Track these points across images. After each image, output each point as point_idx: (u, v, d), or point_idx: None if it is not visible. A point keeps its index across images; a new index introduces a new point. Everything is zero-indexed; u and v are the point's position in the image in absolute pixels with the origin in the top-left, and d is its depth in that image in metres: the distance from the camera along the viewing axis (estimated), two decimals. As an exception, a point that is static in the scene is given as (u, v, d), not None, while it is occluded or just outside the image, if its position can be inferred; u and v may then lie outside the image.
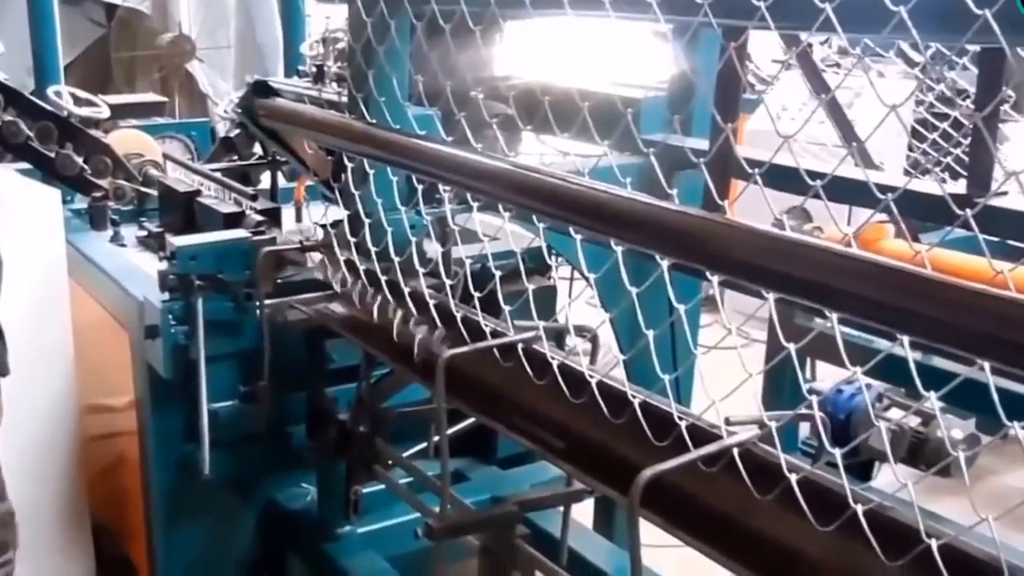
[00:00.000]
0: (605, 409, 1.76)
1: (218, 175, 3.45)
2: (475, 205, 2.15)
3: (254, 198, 3.05)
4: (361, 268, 2.52)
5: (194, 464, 2.75)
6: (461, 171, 2.05)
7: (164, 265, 2.69)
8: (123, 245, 3.50)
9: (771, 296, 1.47)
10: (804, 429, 4.15)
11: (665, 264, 1.68)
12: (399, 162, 2.28)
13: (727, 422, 1.61)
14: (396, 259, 2.38)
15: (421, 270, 2.29)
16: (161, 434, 2.86)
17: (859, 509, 1.37)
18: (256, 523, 3.04)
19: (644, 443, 1.68)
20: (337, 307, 2.68)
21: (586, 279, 3.83)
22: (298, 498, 3.01)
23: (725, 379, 1.62)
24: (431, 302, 2.23)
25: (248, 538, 3.02)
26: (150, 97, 5.28)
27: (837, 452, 1.52)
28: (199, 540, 2.99)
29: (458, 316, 2.16)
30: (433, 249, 2.61)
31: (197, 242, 2.68)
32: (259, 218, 2.95)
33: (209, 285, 2.65)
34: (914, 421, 4.09)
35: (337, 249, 2.64)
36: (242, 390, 2.75)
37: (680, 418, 1.66)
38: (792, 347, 1.51)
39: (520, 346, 1.98)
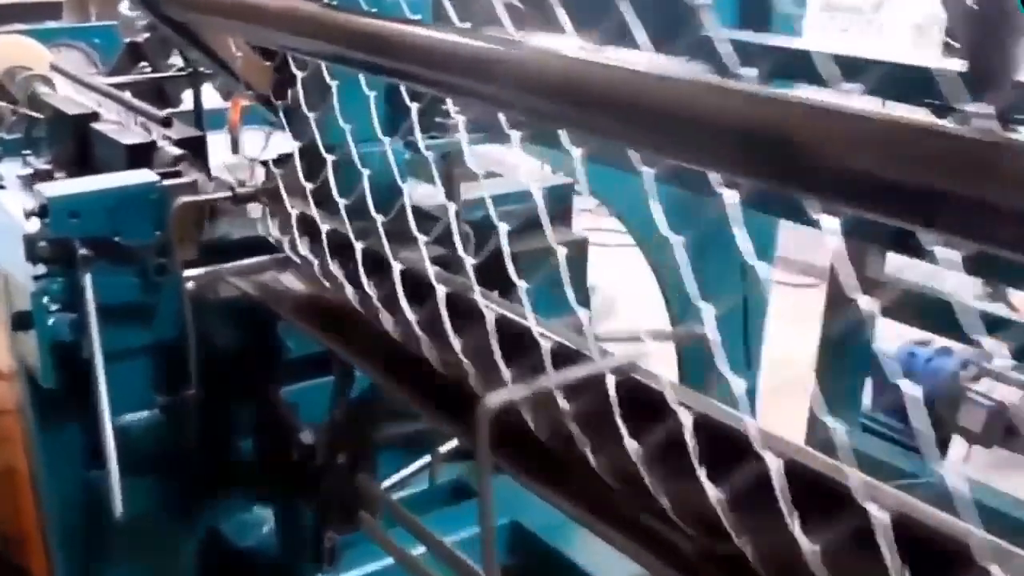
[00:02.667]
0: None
1: (124, 93, 2.59)
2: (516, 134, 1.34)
3: (167, 123, 2.20)
4: (323, 228, 1.72)
5: (100, 496, 1.96)
6: (488, 74, 1.23)
7: (33, 226, 1.85)
8: (2, 187, 2.64)
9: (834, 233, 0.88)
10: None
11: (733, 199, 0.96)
12: (379, 63, 1.45)
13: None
14: (378, 217, 1.57)
15: (422, 237, 1.48)
16: (52, 457, 2.06)
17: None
18: (195, 561, 2.26)
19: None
20: (291, 281, 1.88)
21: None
22: (249, 529, 2.23)
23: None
24: (440, 288, 1.44)
25: (184, 580, 2.25)
26: (42, -6, 4.25)
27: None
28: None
29: (488, 312, 1.38)
30: (428, 198, 1.82)
31: (80, 190, 1.84)
32: (175, 152, 2.12)
33: (101, 253, 1.82)
34: (1015, 395, 3.40)
35: (286, 199, 1.83)
36: (160, 400, 1.94)
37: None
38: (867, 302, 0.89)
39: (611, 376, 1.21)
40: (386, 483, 2.14)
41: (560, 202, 2.50)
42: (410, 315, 1.54)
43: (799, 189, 0.85)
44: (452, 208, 1.47)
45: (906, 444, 3.25)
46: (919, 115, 0.79)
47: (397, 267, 1.56)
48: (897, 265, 2.78)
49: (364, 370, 1.63)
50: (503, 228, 1.39)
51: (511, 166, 2.35)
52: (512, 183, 2.16)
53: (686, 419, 1.15)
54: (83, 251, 1.78)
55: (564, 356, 1.33)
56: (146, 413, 1.95)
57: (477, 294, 1.46)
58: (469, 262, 1.44)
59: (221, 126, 2.91)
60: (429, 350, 1.49)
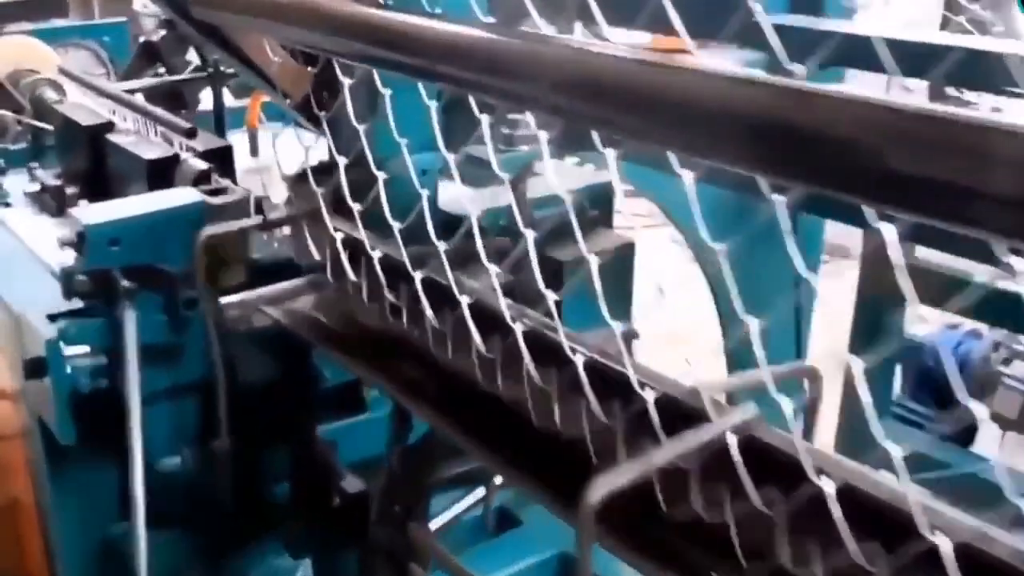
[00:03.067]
0: None
1: (138, 99, 2.40)
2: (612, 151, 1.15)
3: (192, 134, 2.01)
4: (375, 254, 1.53)
5: (124, 552, 1.77)
6: (578, 81, 1.04)
7: (69, 257, 1.65)
8: (7, 204, 2.46)
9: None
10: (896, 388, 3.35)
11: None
12: (440, 71, 1.26)
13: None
14: (440, 244, 1.39)
15: (493, 268, 1.30)
16: (68, 515, 1.86)
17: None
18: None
19: None
20: (330, 309, 1.70)
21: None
22: (285, 576, 2.04)
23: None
24: (518, 327, 1.26)
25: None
26: (47, -9, 4.04)
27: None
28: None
29: (578, 356, 1.20)
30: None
31: (120, 215, 1.65)
32: (201, 165, 1.93)
33: (144, 284, 1.63)
34: None
35: (328, 220, 1.64)
36: (189, 445, 1.75)
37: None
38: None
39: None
40: (435, 524, 1.96)
41: (602, 203, 2.31)
42: (481, 348, 1.35)
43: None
44: (531, 236, 1.28)
45: (938, 432, 3.14)
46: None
47: (465, 300, 1.38)
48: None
49: (428, 418, 1.43)
50: (593, 263, 1.21)
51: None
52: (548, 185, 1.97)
53: (828, 488, 0.96)
54: (125, 283, 1.59)
55: (670, 409, 1.14)
56: (175, 460, 1.75)
57: (562, 335, 1.27)
58: (552, 298, 1.25)
59: (236, 126, 2.73)
60: (507, 392, 1.31)
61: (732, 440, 1.05)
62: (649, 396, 1.14)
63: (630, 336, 1.93)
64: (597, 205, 2.24)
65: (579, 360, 1.23)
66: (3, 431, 2.09)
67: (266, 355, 1.80)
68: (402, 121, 1.51)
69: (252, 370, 1.76)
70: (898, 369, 3.25)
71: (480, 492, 2.10)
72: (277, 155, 1.86)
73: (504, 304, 1.33)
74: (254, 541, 1.91)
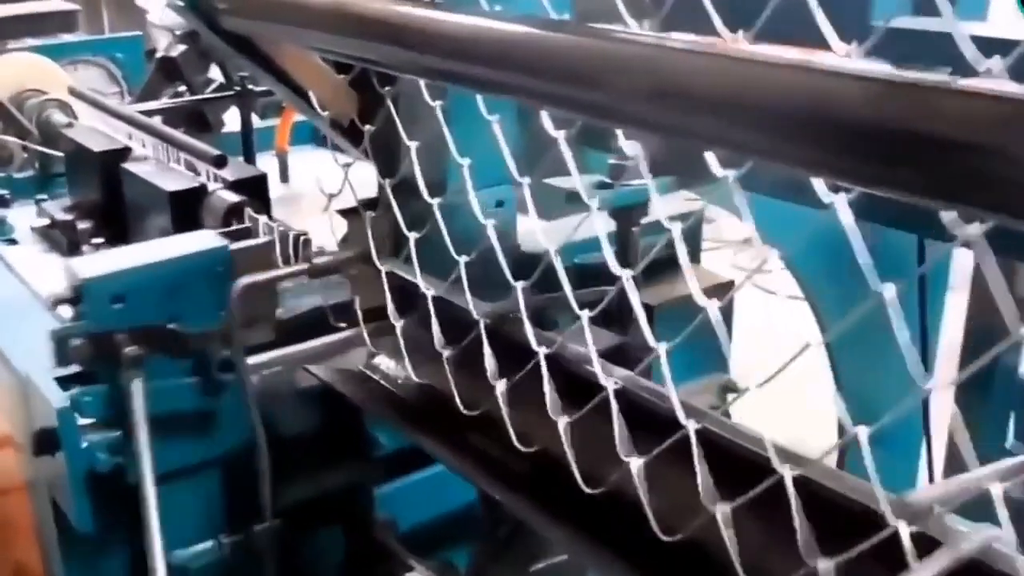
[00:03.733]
0: None
1: (156, 121, 2.18)
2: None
3: (221, 162, 1.79)
4: (429, 293, 1.30)
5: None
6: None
7: (59, 317, 1.42)
8: (12, 240, 2.23)
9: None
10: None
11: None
12: (510, 83, 1.03)
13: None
14: (518, 286, 1.15)
15: (584, 314, 1.07)
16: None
17: None
18: None
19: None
20: (390, 367, 1.46)
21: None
22: None
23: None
24: (611, 383, 1.03)
25: None
26: (55, 4, 3.78)
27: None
28: None
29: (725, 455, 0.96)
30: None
31: (124, 266, 1.41)
32: (232, 198, 1.70)
33: (153, 348, 1.38)
34: None
35: (380, 266, 1.40)
36: (226, 532, 1.51)
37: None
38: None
39: None
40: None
41: (690, 235, 2.05)
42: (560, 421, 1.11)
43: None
44: (635, 295, 1.03)
45: None
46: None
47: (543, 351, 1.13)
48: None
49: (518, 508, 1.19)
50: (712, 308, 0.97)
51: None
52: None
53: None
54: (130, 349, 1.34)
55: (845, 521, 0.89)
56: (209, 546, 1.51)
57: (679, 408, 1.03)
58: (661, 348, 1.01)
59: (261, 149, 2.50)
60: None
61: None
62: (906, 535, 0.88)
63: (728, 389, 1.67)
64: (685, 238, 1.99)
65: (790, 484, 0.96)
66: (4, 485, 1.86)
67: (312, 420, 1.56)
68: (473, 147, 1.27)
69: (297, 439, 1.53)
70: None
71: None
72: (319, 183, 1.62)
73: (597, 364, 1.08)
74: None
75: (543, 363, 1.14)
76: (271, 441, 1.47)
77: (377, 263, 1.45)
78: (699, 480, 0.98)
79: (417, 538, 1.69)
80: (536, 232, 1.20)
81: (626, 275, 1.04)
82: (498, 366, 1.23)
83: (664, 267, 1.44)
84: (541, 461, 1.22)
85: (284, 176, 2.62)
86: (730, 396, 1.80)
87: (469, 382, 1.31)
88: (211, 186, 1.76)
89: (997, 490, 0.82)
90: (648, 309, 1.68)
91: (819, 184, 0.84)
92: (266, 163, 2.51)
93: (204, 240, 1.48)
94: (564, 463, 1.16)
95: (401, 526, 1.69)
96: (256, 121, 2.67)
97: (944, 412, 2.48)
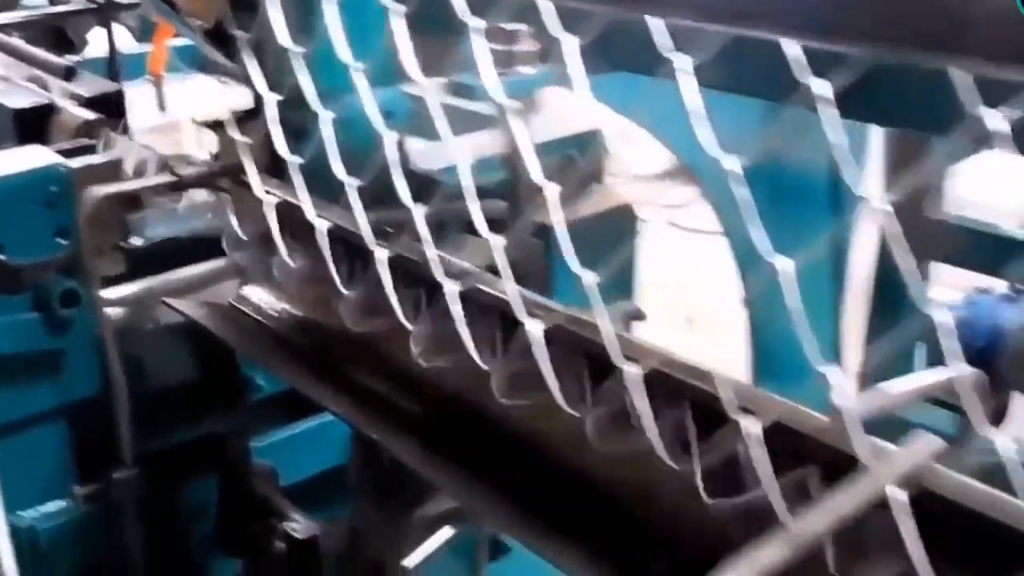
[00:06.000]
0: None
1: (9, 37, 1.97)
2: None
3: (70, 74, 1.59)
4: (321, 225, 1.14)
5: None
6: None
7: None
8: None
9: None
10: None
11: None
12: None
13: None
14: (414, 205, 1.00)
15: (495, 239, 0.92)
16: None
17: None
18: None
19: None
20: (267, 301, 1.30)
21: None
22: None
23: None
24: (534, 325, 0.89)
25: None
26: None
27: None
28: None
29: (630, 369, 0.83)
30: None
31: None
32: (85, 115, 1.51)
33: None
34: None
35: (256, 180, 1.23)
36: (78, 491, 1.34)
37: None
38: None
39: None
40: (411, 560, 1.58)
41: (593, 152, 1.92)
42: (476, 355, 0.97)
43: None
44: (553, 190, 0.90)
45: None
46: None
47: (454, 288, 0.99)
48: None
49: (402, 453, 1.05)
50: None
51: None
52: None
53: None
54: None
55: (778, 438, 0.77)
56: (61, 505, 1.33)
57: (611, 336, 0.90)
58: (591, 279, 0.88)
59: (137, 75, 2.29)
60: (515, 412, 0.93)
61: (901, 497, 0.69)
62: (753, 426, 0.77)
63: (633, 317, 1.55)
64: (587, 154, 1.86)
65: (633, 372, 0.85)
66: None
67: (178, 360, 1.39)
68: (355, 42, 1.11)
69: (161, 381, 1.36)
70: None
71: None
72: (190, 102, 1.44)
73: (516, 294, 0.94)
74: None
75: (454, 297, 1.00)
76: (130, 384, 1.30)
77: (252, 183, 1.28)
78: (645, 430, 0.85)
79: (302, 491, 1.55)
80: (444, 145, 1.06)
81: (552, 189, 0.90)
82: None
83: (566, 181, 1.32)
84: (435, 401, 1.09)
85: (162, 104, 2.41)
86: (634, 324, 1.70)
87: (355, 315, 1.16)
88: (61, 103, 1.57)
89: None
90: (546, 230, 1.54)
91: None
92: (143, 91, 2.31)
93: (34, 157, 1.28)
94: (460, 403, 1.02)
95: (285, 478, 1.54)
96: (133, 45, 2.46)
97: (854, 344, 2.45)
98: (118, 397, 1.27)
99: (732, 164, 0.77)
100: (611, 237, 1.79)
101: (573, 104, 1.66)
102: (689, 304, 3.64)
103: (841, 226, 2.07)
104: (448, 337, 1.02)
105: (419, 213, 1.03)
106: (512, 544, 1.86)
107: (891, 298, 2.47)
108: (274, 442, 1.57)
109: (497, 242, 0.96)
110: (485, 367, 0.98)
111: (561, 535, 0.87)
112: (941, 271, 2.58)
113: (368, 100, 1.06)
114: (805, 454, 0.77)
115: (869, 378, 0.91)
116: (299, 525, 1.35)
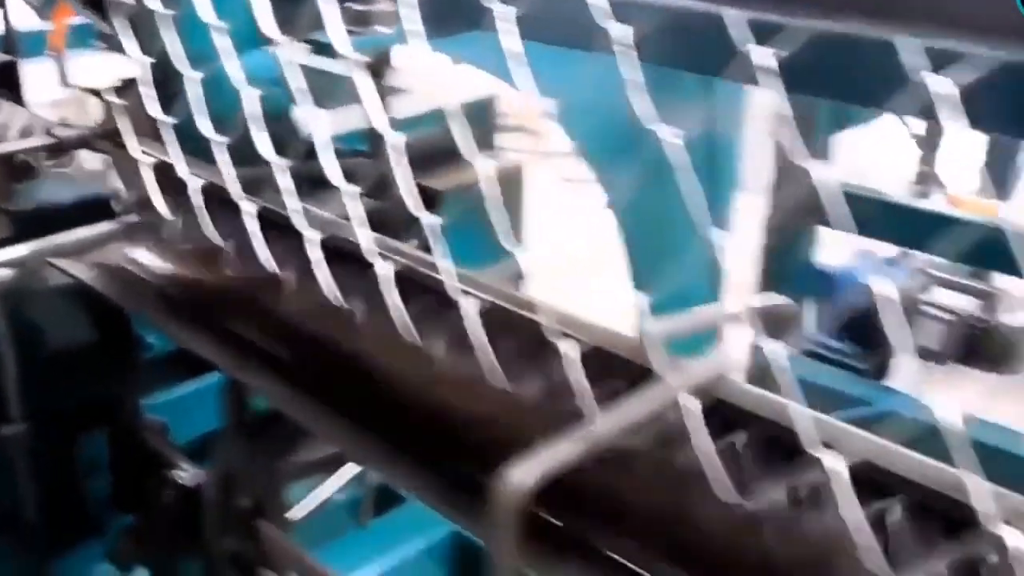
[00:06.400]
0: None
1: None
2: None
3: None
4: (194, 183, 1.19)
5: None
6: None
7: None
8: None
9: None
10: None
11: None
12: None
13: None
14: (279, 161, 1.06)
15: (349, 188, 0.98)
16: None
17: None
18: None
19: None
20: (152, 260, 1.34)
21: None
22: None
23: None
24: (385, 267, 0.95)
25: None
26: None
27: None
28: None
29: (468, 301, 0.90)
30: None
31: None
32: (-28, 84, 1.55)
33: None
34: (966, 304, 3.12)
35: (132, 141, 1.28)
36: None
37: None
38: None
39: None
40: (299, 511, 1.63)
41: (483, 119, 1.99)
42: (333, 295, 1.03)
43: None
44: (394, 139, 0.96)
45: (854, 368, 3.01)
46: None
47: (315, 236, 1.05)
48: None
49: (267, 391, 1.11)
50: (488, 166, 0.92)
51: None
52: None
53: (838, 466, 0.68)
54: None
55: (601, 366, 0.85)
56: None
57: (449, 273, 0.96)
58: (432, 222, 0.94)
59: (39, 50, 2.31)
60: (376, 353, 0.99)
61: (692, 404, 0.77)
62: (572, 350, 0.84)
63: (519, 275, 1.61)
64: (477, 122, 1.92)
65: (471, 306, 0.92)
66: None
67: (70, 320, 1.43)
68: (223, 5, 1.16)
69: (52, 337, 1.40)
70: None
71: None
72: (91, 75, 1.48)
73: (364, 236, 1.01)
74: (68, 552, 1.55)
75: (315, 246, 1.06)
76: (19, 343, 1.34)
77: (128, 144, 1.33)
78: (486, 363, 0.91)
79: (196, 448, 1.59)
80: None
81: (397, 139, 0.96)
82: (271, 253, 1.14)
83: (452, 152, 1.38)
84: (302, 344, 1.14)
85: (64, 79, 2.43)
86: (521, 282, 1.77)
87: (238, 272, 1.22)
88: (-52, 72, 1.60)
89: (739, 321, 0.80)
90: (435, 194, 1.61)
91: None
92: (40, 67, 2.32)
93: None
94: (339, 353, 1.08)
95: (180, 436, 1.59)
96: (37, 23, 2.46)
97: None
98: (3, 355, 1.32)
99: (548, 106, 0.84)
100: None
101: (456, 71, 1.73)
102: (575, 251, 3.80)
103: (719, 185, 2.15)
104: (310, 282, 1.08)
105: (281, 165, 1.08)
106: (399, 498, 1.94)
107: (779, 258, 2.58)
108: (168, 400, 1.62)
109: (351, 190, 1.02)
110: (345, 306, 1.05)
111: (407, 457, 0.94)
112: (828, 234, 2.70)
113: (228, 57, 1.11)
114: (616, 370, 0.85)
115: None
116: (186, 474, 1.40)
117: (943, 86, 0.61)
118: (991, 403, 3.24)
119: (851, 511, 0.67)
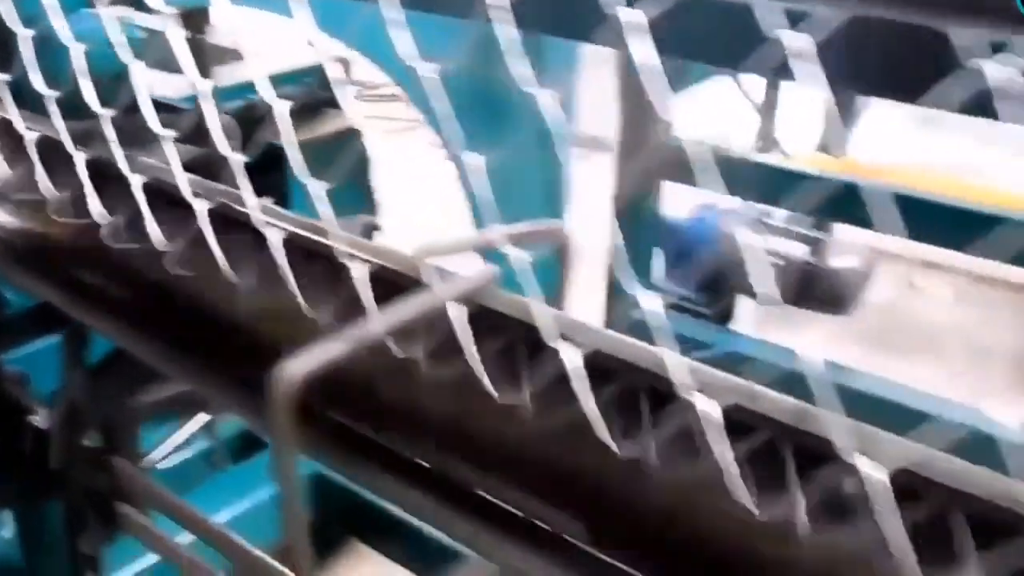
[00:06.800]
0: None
1: None
2: None
3: None
4: (28, 135, 1.26)
5: None
6: None
7: None
8: None
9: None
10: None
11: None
12: None
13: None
14: (103, 111, 1.14)
15: (166, 133, 1.07)
16: None
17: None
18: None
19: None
20: (8, 219, 1.41)
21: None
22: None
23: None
24: (199, 204, 1.04)
25: None
26: None
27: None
28: None
29: (272, 231, 1.00)
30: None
31: None
32: None
33: None
34: (799, 250, 3.32)
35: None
36: None
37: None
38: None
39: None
40: (158, 456, 1.72)
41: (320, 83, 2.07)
42: (159, 240, 1.11)
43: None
44: (204, 86, 1.05)
45: (700, 313, 3.19)
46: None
47: (138, 181, 1.13)
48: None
49: (101, 328, 1.19)
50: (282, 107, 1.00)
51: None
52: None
53: (573, 357, 0.80)
54: None
55: (385, 281, 0.95)
56: None
57: (253, 206, 1.05)
58: (237, 160, 1.03)
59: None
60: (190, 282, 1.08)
61: (456, 311, 0.87)
62: (359, 270, 0.94)
63: (371, 228, 1.71)
64: (325, 86, 2.01)
65: (275, 236, 1.01)
66: None
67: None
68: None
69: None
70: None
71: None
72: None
73: (184, 179, 1.09)
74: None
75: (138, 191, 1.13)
76: None
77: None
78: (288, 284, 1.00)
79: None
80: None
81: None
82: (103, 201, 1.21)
83: (303, 108, 1.46)
84: (142, 287, 1.22)
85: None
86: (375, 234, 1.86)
87: (65, 214, 1.28)
88: None
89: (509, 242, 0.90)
90: (277, 150, 1.68)
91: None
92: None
93: None
94: (160, 286, 1.16)
95: (41, 388, 1.65)
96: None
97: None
98: None
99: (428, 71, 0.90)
100: (343, 158, 1.96)
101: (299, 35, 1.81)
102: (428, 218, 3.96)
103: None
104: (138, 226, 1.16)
105: (106, 116, 1.16)
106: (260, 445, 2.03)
107: (628, 212, 2.72)
108: (28, 353, 1.68)
109: (167, 133, 1.10)
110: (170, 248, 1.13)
111: (210, 368, 1.04)
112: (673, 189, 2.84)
113: (55, 15, 1.18)
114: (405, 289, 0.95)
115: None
116: (41, 417, 1.47)
117: (799, 42, 0.61)
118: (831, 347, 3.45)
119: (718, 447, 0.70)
